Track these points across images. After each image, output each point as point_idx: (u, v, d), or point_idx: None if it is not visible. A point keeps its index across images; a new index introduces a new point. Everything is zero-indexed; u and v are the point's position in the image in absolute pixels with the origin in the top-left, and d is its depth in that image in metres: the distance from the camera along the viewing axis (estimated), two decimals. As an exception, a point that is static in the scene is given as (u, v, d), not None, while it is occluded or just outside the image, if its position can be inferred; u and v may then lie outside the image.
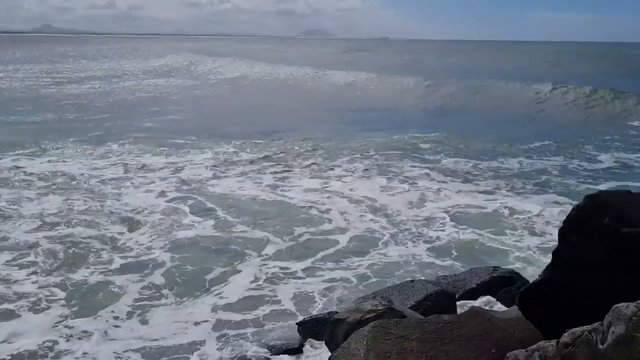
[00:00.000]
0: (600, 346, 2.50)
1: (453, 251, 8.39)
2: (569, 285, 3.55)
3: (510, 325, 4.00)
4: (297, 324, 5.98)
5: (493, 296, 6.27)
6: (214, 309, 6.50)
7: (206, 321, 6.25)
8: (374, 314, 5.21)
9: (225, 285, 7.19)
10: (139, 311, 6.46)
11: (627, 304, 2.48)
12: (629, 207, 3.53)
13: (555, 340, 2.69)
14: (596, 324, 2.59)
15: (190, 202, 10.67)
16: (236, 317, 6.36)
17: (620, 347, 2.42)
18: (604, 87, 27.19)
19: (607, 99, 25.32)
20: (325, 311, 6.20)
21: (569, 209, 3.79)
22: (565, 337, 2.64)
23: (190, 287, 7.12)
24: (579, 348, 2.56)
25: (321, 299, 6.75)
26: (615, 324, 2.47)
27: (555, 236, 3.75)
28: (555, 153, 15.87)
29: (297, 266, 7.75)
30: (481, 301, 6.04)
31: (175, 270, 7.55)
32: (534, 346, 2.75)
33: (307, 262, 7.89)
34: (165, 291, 6.95)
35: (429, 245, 8.59)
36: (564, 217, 3.72)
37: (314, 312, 6.36)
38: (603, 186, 12.20)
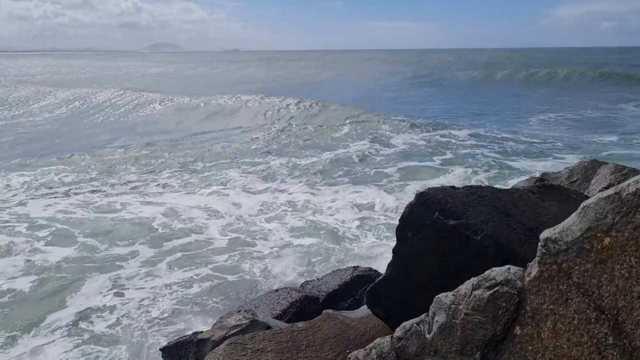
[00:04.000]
0: (427, 336, 2.66)
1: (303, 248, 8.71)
2: (408, 280, 3.77)
3: (361, 324, 4.15)
4: (160, 350, 5.69)
5: (355, 295, 6.53)
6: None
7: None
8: (239, 329, 5.13)
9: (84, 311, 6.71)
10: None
11: (446, 293, 2.67)
12: (454, 201, 3.84)
13: (390, 336, 2.82)
14: (423, 315, 2.76)
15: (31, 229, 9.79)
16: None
17: (443, 334, 2.60)
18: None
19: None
20: (189, 332, 5.99)
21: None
22: (398, 331, 2.78)
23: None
24: (409, 340, 2.71)
25: (184, 319, 6.51)
26: (438, 314, 2.65)
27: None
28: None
29: (154, 286, 7.43)
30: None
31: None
32: (371, 344, 2.86)
33: (166, 279, 7.60)
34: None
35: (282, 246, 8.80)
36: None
37: (177, 335, 6.09)
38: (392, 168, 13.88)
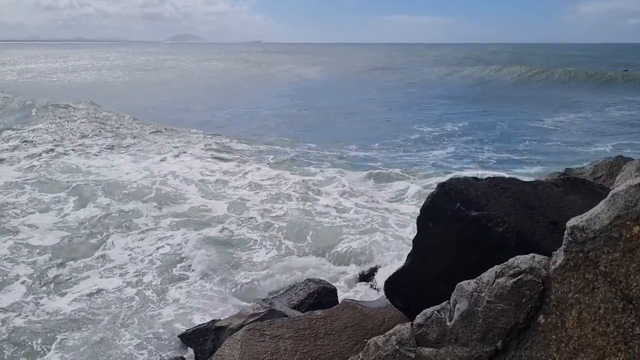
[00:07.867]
0: (448, 323, 2.65)
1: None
2: (427, 270, 3.75)
3: (380, 314, 4.15)
4: (179, 336, 5.75)
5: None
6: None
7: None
8: (257, 317, 5.15)
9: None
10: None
11: (468, 281, 2.64)
12: (476, 192, 3.80)
13: (410, 323, 2.81)
14: (444, 302, 2.74)
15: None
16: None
17: (464, 321, 2.58)
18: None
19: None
20: (207, 320, 6.02)
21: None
22: (418, 318, 2.77)
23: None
24: (430, 327, 2.70)
25: (202, 308, 6.54)
26: (459, 301, 2.63)
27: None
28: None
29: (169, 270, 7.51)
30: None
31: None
32: (391, 330, 2.85)
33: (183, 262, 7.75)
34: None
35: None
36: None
37: (196, 322, 6.13)
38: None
